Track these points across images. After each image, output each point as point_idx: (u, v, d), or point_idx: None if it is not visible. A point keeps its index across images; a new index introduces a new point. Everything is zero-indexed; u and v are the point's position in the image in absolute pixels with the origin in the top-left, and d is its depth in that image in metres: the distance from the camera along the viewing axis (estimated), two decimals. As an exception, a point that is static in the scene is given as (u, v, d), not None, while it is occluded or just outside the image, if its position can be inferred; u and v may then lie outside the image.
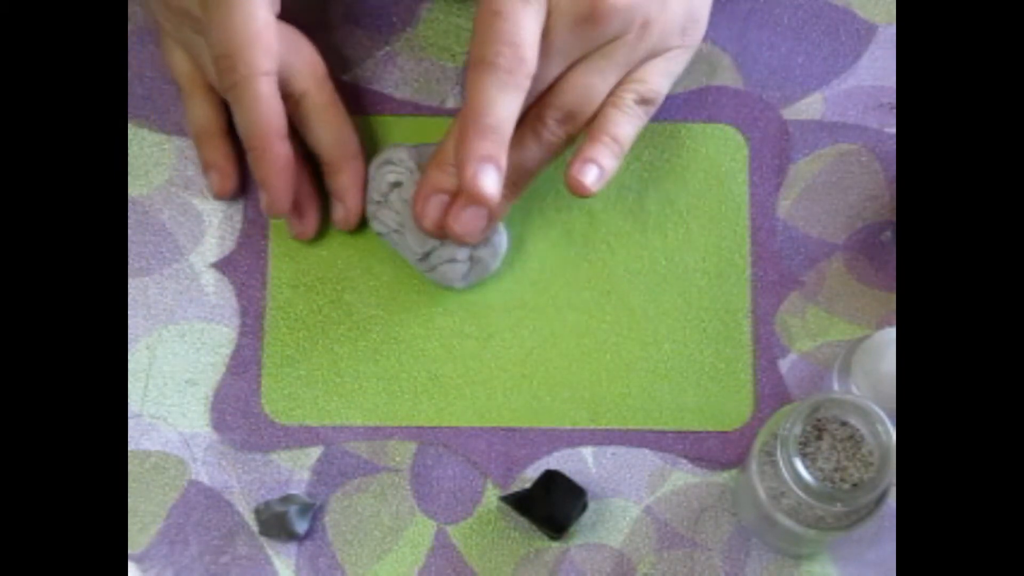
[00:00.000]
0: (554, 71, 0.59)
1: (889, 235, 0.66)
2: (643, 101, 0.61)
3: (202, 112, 0.64)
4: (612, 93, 0.61)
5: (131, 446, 0.63)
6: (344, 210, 0.64)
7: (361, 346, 0.64)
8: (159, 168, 0.66)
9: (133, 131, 0.66)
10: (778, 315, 0.65)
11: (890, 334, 0.59)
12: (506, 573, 0.63)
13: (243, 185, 0.65)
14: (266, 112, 0.58)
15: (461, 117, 0.58)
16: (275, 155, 0.59)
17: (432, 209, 0.60)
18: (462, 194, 0.58)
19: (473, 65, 0.57)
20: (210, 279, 0.65)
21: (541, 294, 0.65)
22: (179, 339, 0.64)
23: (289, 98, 0.61)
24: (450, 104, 0.67)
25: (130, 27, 0.67)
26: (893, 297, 0.65)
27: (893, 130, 0.67)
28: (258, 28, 0.58)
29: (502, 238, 0.64)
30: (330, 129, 0.63)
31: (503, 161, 0.57)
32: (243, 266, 0.65)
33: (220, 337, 0.64)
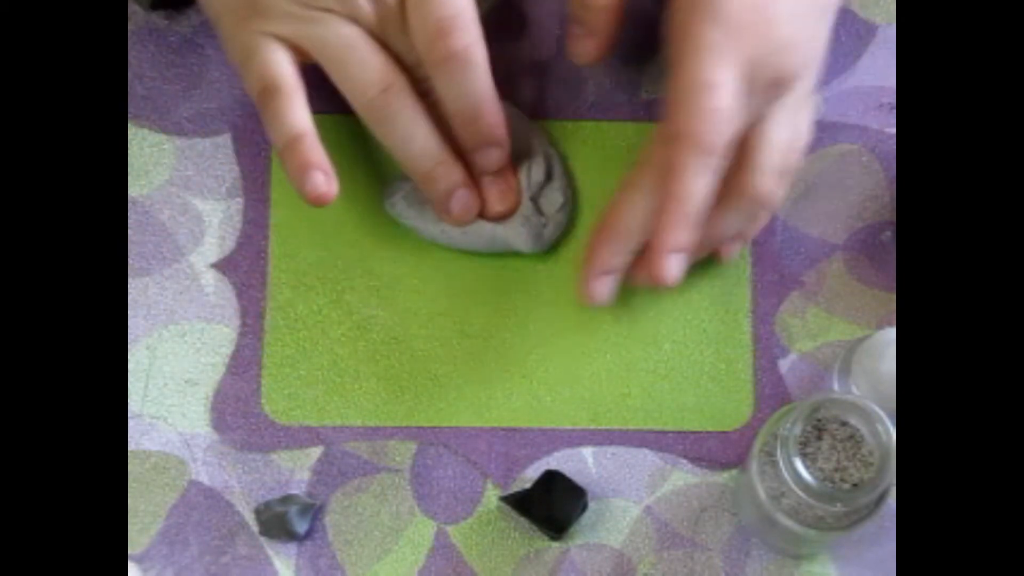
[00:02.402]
0: (740, 130, 0.58)
1: (889, 235, 0.66)
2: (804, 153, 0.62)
3: (303, 114, 0.59)
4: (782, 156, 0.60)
5: (131, 446, 0.63)
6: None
7: (361, 346, 0.64)
8: (159, 168, 0.66)
9: (133, 131, 0.66)
10: (778, 315, 0.65)
11: (890, 334, 0.59)
12: (506, 573, 0.63)
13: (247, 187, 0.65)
14: (487, 74, 0.58)
15: (663, 197, 0.56)
16: (500, 109, 0.59)
17: (602, 287, 0.61)
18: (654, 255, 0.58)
19: (679, 140, 0.55)
20: (210, 279, 0.65)
21: (541, 294, 0.65)
22: (179, 339, 0.64)
23: None
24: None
25: (130, 27, 0.67)
26: (893, 297, 0.65)
27: (893, 130, 0.67)
28: None
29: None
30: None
31: (692, 244, 0.57)
32: (243, 266, 0.65)
33: (220, 337, 0.64)
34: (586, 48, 0.61)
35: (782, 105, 0.58)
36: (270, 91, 0.58)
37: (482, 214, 0.63)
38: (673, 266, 0.57)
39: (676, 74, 0.56)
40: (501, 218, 0.63)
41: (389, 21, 0.58)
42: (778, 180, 0.60)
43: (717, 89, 0.55)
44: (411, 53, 0.58)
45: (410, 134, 0.59)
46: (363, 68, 0.58)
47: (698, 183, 0.56)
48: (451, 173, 0.61)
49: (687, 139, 0.55)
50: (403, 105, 0.59)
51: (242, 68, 0.60)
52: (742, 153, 0.58)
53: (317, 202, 0.58)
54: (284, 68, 0.59)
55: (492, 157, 0.61)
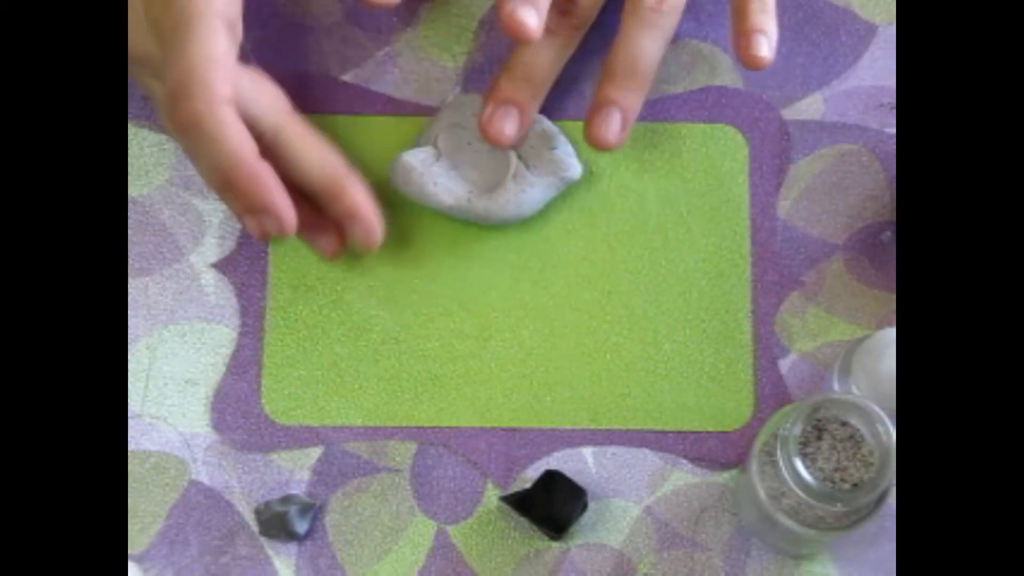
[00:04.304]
0: None
1: (889, 235, 0.66)
2: None
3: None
4: None
5: (131, 446, 0.63)
6: (363, 227, 0.60)
7: (361, 346, 0.64)
8: (159, 168, 0.66)
9: (133, 131, 0.66)
10: (778, 315, 0.65)
11: (890, 334, 0.59)
12: (506, 573, 0.63)
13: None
14: (237, 137, 0.54)
15: (610, 58, 0.60)
16: (261, 173, 0.55)
17: (500, 121, 0.62)
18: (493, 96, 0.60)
19: (627, 5, 0.57)
20: (210, 279, 0.65)
21: (541, 294, 0.65)
22: (179, 339, 0.64)
23: (261, 138, 0.57)
24: (451, 101, 0.67)
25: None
26: (893, 297, 0.65)
27: (893, 130, 0.67)
28: (216, 55, 0.54)
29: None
30: (314, 155, 0.59)
31: (636, 106, 0.58)
32: (243, 266, 0.65)
33: (220, 337, 0.64)
34: None
35: None
36: None
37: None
38: (522, 10, 0.57)
39: None
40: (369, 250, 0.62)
41: None
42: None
43: None
44: None
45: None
46: None
47: (646, 41, 0.58)
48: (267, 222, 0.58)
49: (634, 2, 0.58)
50: None
51: None
52: None
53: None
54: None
55: (264, 224, 0.57)
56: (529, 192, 0.63)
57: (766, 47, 0.59)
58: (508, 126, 0.62)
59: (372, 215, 0.60)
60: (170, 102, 0.54)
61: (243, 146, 0.55)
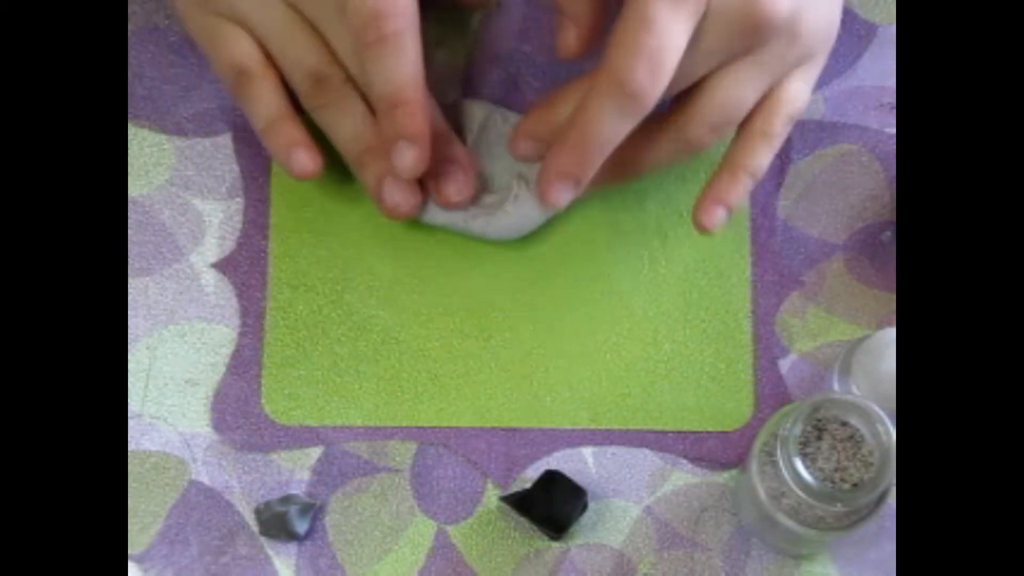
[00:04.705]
0: (698, 73, 0.56)
1: (889, 235, 0.66)
2: (790, 121, 0.59)
3: (275, 95, 0.60)
4: (760, 117, 0.58)
5: (131, 446, 0.63)
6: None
7: (361, 346, 0.64)
8: (159, 168, 0.66)
9: (133, 131, 0.66)
10: (778, 315, 0.65)
11: (890, 334, 0.59)
12: (506, 573, 0.63)
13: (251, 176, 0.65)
14: (416, 64, 0.56)
15: (568, 125, 0.56)
16: (424, 106, 0.57)
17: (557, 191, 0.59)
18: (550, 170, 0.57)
19: (602, 74, 0.54)
20: (210, 279, 0.65)
21: (541, 294, 0.65)
22: (179, 339, 0.64)
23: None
24: (451, 102, 0.67)
25: (130, 27, 0.67)
26: (893, 297, 0.65)
27: (893, 130, 0.67)
28: None
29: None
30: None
31: (586, 178, 0.57)
32: (243, 266, 0.65)
33: (220, 337, 0.64)
34: (567, 40, 0.60)
35: (752, 61, 0.57)
36: (243, 77, 0.60)
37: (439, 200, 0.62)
38: (559, 191, 0.57)
39: (621, 13, 0.54)
40: (455, 206, 0.62)
41: (326, 5, 0.57)
42: (710, 132, 0.58)
43: (651, 30, 0.53)
44: (344, 41, 0.58)
45: (339, 121, 0.59)
46: (299, 56, 0.58)
47: (608, 125, 0.55)
48: (379, 161, 0.60)
49: (609, 75, 0.53)
50: (336, 95, 0.59)
51: (209, 53, 0.61)
52: (686, 95, 0.57)
53: (305, 178, 0.60)
54: (251, 51, 0.59)
55: (405, 156, 0.57)
56: (530, 215, 0.63)
57: (719, 220, 0.60)
58: (564, 195, 0.58)
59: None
60: (370, 17, 0.55)
61: (420, 73, 0.56)
